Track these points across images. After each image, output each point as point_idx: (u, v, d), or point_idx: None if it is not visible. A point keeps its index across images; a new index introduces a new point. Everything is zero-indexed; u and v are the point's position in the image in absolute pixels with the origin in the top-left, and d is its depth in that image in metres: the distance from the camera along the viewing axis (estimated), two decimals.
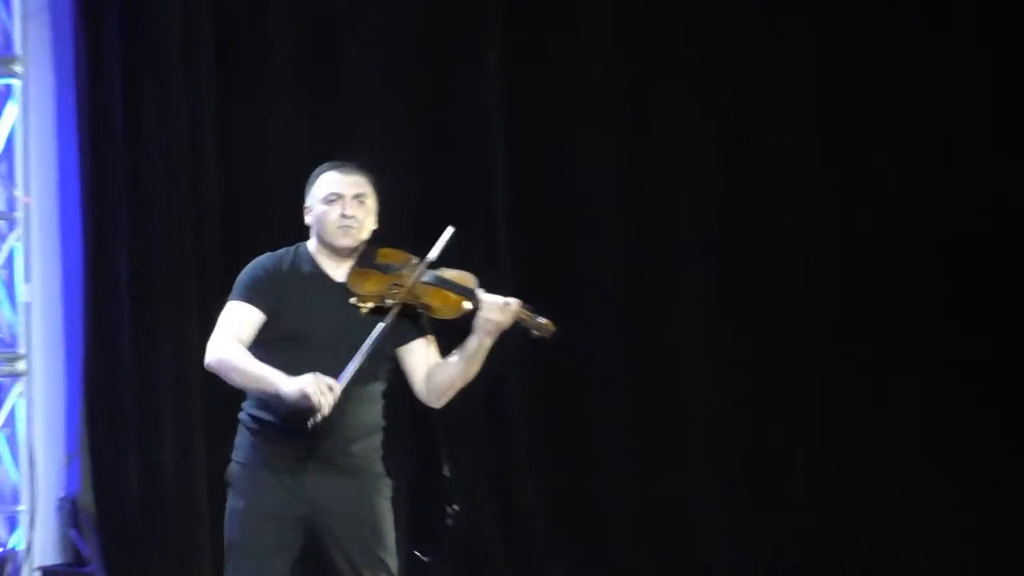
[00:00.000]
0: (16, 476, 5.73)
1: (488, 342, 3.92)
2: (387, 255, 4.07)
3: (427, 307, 3.93)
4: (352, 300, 3.88)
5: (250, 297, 3.90)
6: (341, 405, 3.84)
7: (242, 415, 3.91)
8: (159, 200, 5.79)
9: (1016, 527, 6.63)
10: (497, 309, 3.87)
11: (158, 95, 5.68)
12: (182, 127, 5.67)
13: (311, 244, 3.88)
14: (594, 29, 6.70)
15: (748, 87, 6.82)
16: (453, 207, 5.98)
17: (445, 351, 4.09)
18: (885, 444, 6.67)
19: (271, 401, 3.79)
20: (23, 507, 5.73)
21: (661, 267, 6.65)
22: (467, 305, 3.88)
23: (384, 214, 4.07)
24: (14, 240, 5.57)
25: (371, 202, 4.03)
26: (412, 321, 3.94)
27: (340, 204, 3.91)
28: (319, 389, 3.68)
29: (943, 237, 6.79)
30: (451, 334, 4.09)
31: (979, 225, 6.82)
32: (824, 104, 6.85)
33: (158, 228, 5.81)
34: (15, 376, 5.60)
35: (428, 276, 3.93)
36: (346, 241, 3.89)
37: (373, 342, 3.74)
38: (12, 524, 5.75)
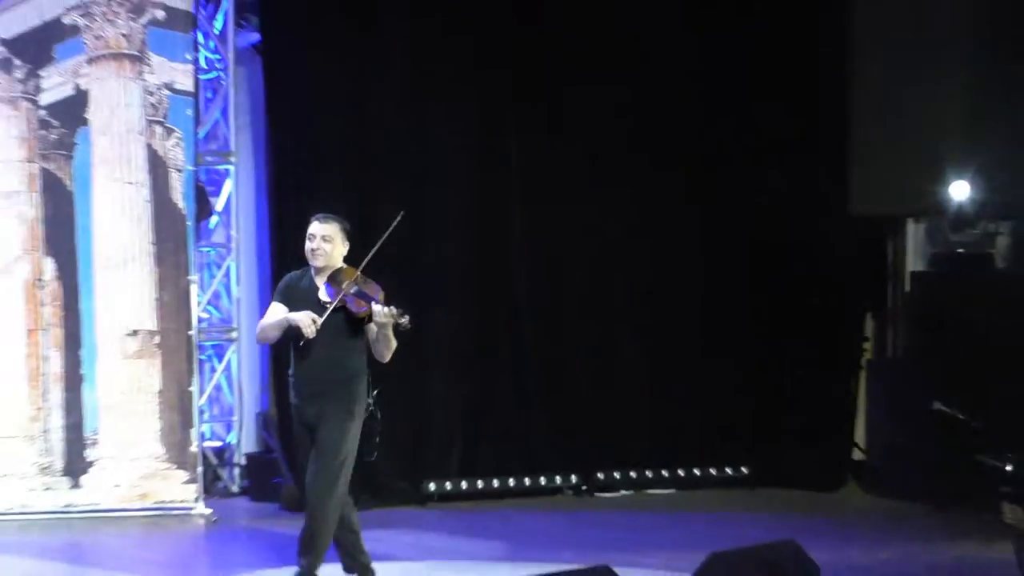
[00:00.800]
0: (231, 399, 9.23)
1: (384, 331, 6.26)
2: (345, 272, 6.46)
3: (350, 309, 6.24)
4: (321, 299, 6.25)
5: (278, 298, 6.37)
6: (333, 353, 6.33)
7: (289, 373, 6.48)
8: None
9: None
10: (381, 315, 6.18)
11: (315, 178, 8.80)
12: (336, 196, 8.69)
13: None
14: None
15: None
16: None
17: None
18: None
19: (289, 334, 6.22)
20: (236, 418, 9.29)
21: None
22: (365, 310, 6.21)
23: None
24: (231, 260, 9.01)
25: (337, 240, 6.42)
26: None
27: (313, 241, 6.31)
28: (308, 320, 6.14)
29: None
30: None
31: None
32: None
33: None
34: (231, 341, 9.09)
35: (353, 288, 6.27)
36: (315, 263, 6.30)
37: (328, 314, 6.13)
38: (228, 428, 9.33)
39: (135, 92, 9.14)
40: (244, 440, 9.81)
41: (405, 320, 6.45)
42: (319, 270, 6.45)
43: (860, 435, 10.88)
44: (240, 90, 9.68)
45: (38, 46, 9.10)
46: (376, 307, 6.37)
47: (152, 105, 9.04)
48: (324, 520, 6.67)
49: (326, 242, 6.53)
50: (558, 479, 10.04)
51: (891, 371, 10.99)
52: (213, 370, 9.55)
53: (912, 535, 9.24)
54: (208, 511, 8.92)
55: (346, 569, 6.95)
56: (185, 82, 9.11)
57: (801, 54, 10.35)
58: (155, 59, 9.07)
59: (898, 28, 10.47)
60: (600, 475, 10.09)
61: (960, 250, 10.71)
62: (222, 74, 9.58)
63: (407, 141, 9.45)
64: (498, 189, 10.04)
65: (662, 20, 10.44)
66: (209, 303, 9.51)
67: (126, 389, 9.12)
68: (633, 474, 10.19)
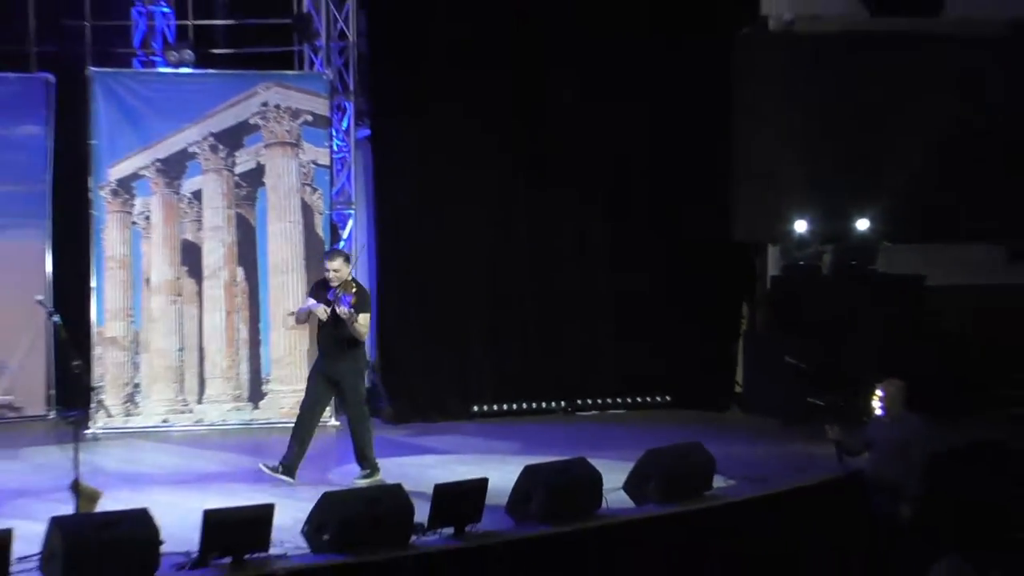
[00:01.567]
0: None
1: (347, 320, 8.44)
2: (344, 284, 8.63)
3: (337, 306, 8.38)
4: (330, 299, 8.44)
5: (311, 293, 8.90)
6: (337, 331, 8.66)
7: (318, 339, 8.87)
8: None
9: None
10: (340, 312, 8.41)
11: (403, 218, 12.38)
12: (414, 227, 12.26)
13: None
14: None
15: None
16: None
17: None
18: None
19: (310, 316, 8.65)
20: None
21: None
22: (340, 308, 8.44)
23: None
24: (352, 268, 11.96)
25: (343, 269, 8.65)
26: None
27: (328, 272, 8.63)
28: (322, 309, 8.47)
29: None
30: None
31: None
32: None
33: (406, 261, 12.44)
34: None
35: (341, 294, 8.47)
36: (332, 283, 8.60)
37: (332, 307, 8.41)
38: None
39: (293, 166, 11.87)
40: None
41: (349, 315, 8.67)
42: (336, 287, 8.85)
43: (740, 377, 13.27)
44: (358, 164, 12.38)
45: (235, 137, 11.74)
46: (339, 308, 8.74)
47: (303, 173, 11.85)
48: (366, 438, 9.05)
49: (334, 271, 8.87)
50: (553, 404, 12.83)
51: (757, 338, 13.30)
52: None
53: (771, 439, 11.26)
54: (337, 423, 11.34)
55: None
56: (324, 159, 11.89)
57: (702, 125, 12.64)
58: (306, 145, 11.83)
59: (764, 106, 12.53)
60: (579, 401, 12.88)
61: (801, 263, 12.89)
62: (347, 154, 12.26)
63: (445, 193, 12.51)
64: (504, 208, 12.75)
65: (574, 96, 12.68)
66: None
67: (286, 348, 11.84)
68: (600, 401, 12.94)
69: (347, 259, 8.93)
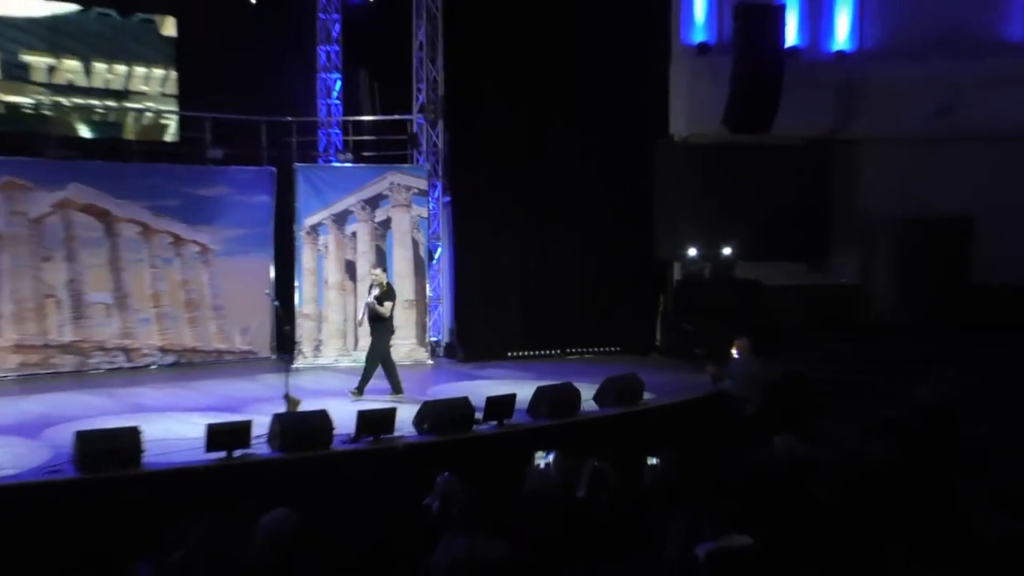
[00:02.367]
0: (442, 322, 20.01)
1: (372, 309, 13.97)
2: (380, 286, 14.18)
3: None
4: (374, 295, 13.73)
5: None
6: (374, 315, 14.38)
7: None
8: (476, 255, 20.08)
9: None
10: (370, 304, 13.82)
11: (475, 249, 19.88)
12: (482, 252, 19.95)
13: None
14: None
15: None
16: None
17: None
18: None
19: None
20: (442, 329, 20.10)
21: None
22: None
23: None
24: (441, 275, 19.83)
25: (380, 278, 14.42)
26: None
27: (372, 280, 14.55)
28: (365, 306, 14.11)
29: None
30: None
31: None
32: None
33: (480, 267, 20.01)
34: (438, 303, 19.46)
35: (376, 291, 13.80)
36: (373, 291, 14.35)
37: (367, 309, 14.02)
38: (436, 332, 20.10)
39: (407, 218, 18.06)
40: (444, 336, 19.15)
41: (372, 303, 12.68)
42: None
43: (658, 336, 19.10)
44: (443, 217, 18.79)
45: (375, 202, 18.00)
46: (368, 300, 13.08)
47: (413, 222, 18.03)
48: (370, 372, 13.55)
49: (375, 279, 13.39)
50: (554, 351, 18.72)
51: (668, 314, 18.89)
52: (435, 308, 18.47)
53: (675, 372, 15.40)
54: (430, 361, 17.86)
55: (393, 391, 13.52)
56: (424, 214, 18.10)
57: (639, 191, 18.58)
58: (414, 207, 18.00)
59: (672, 181, 17.49)
60: (568, 350, 18.87)
61: (692, 272, 18.40)
62: (437, 211, 18.59)
63: (489, 232, 19.20)
64: (519, 238, 19.59)
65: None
66: (432, 289, 18.17)
67: (403, 318, 17.61)
68: (580, 349, 18.87)
69: (383, 270, 13.92)
